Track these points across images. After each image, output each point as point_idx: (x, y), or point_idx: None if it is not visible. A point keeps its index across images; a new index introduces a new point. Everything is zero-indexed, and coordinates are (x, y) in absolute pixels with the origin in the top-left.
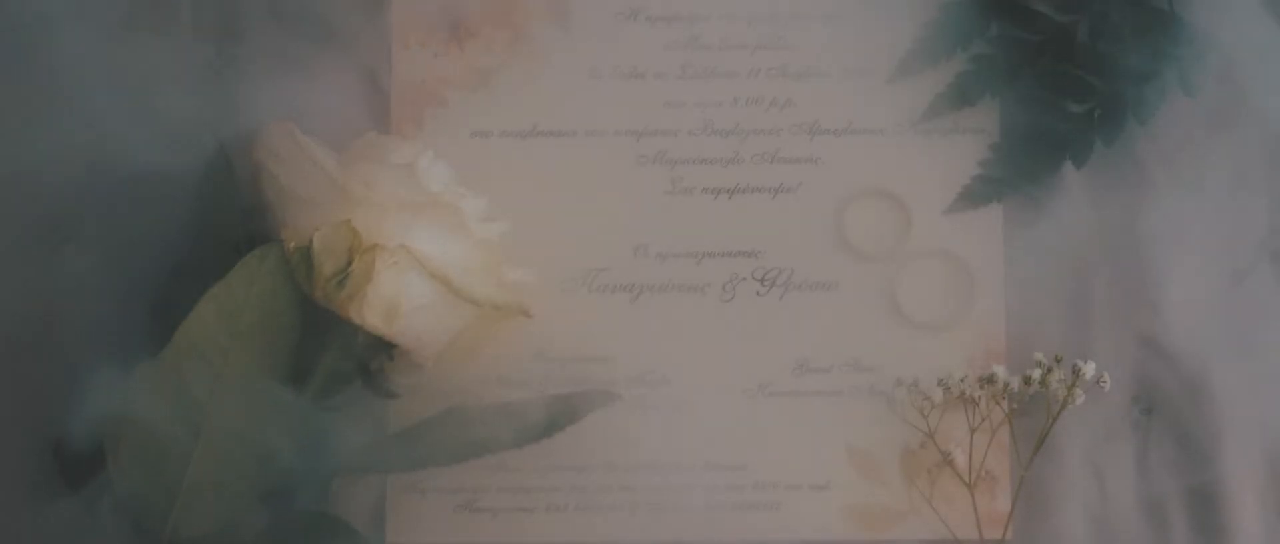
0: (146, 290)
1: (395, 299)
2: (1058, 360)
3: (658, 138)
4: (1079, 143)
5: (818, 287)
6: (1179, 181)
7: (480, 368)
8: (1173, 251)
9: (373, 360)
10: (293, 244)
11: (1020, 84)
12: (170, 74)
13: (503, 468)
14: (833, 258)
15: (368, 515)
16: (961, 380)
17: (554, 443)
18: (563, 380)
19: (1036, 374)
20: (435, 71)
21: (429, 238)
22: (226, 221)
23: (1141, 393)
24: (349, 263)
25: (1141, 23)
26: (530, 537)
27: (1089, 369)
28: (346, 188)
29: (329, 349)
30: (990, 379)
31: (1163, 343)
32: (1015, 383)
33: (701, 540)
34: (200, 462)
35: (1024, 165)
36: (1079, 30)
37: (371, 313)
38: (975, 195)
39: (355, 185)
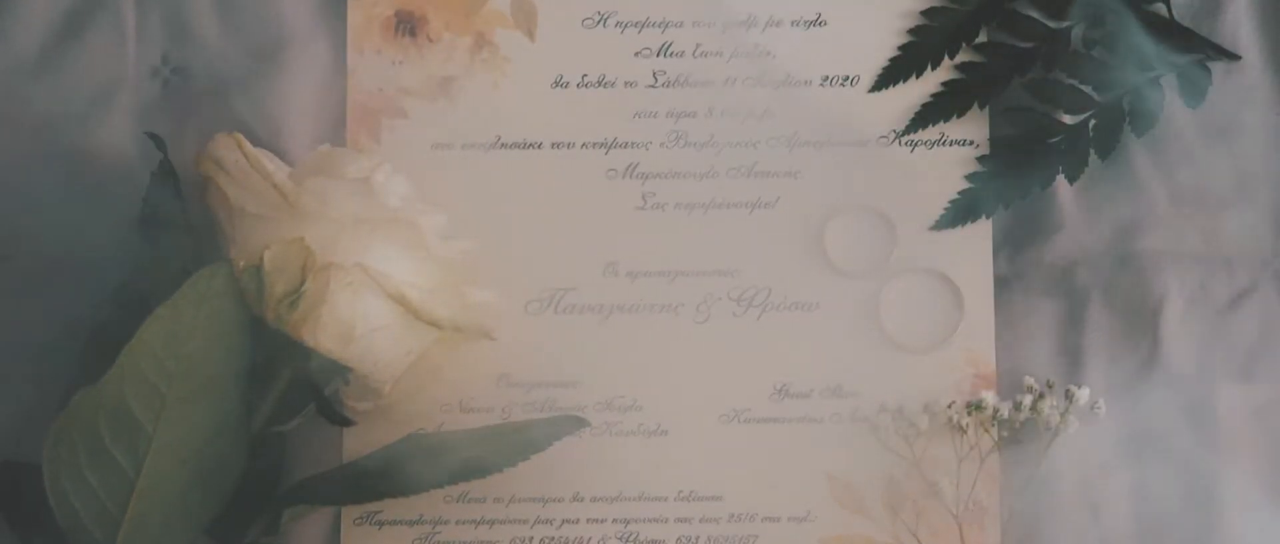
0: (88, 312)
1: (351, 321)
2: (1050, 385)
3: (628, 150)
4: (1072, 156)
5: (797, 307)
6: (1178, 197)
7: (441, 393)
8: (1171, 270)
9: (327, 385)
10: (242, 263)
11: (1010, 93)
12: (112, 82)
13: (464, 499)
14: (813, 277)
15: None
16: (948, 406)
17: (518, 472)
18: (528, 406)
19: (1027, 400)
20: (393, 80)
21: (386, 256)
22: (172, 239)
23: (1138, 420)
24: (302, 283)
25: (1138, 28)
26: None
27: (1083, 395)
28: (299, 203)
29: (281, 373)
30: (979, 405)
31: (1161, 367)
32: (1005, 409)
33: None
34: (144, 492)
35: (1014, 179)
36: (1072, 36)
37: (326, 335)
38: (963, 211)
39: (308, 200)
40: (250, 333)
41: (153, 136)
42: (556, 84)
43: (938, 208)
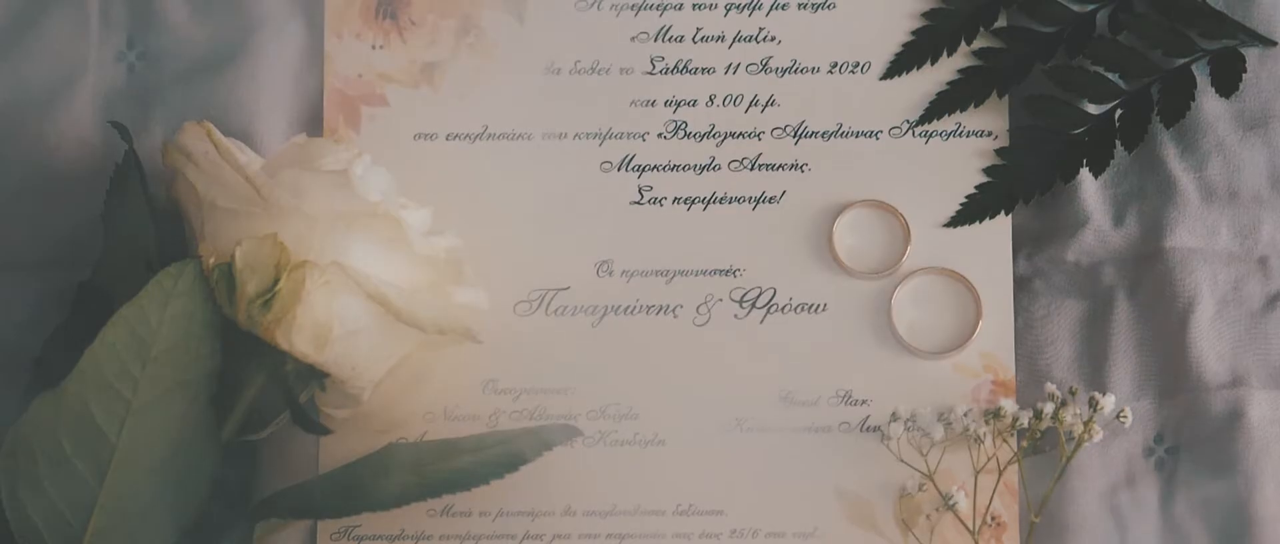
0: (47, 311)
1: (327, 322)
2: (1073, 392)
3: (624, 141)
4: (1097, 147)
5: (803, 309)
6: (1209, 192)
7: (423, 400)
8: (1202, 270)
9: (302, 391)
10: (212, 260)
11: (1031, 81)
12: (74, 68)
13: (449, 512)
14: (820, 276)
15: None
16: (965, 415)
17: (506, 484)
18: (517, 414)
19: (1049, 408)
20: (373, 66)
21: (366, 254)
22: (137, 234)
23: (1166, 429)
24: (275, 281)
25: (1168, 13)
26: None
27: (1108, 402)
28: (272, 197)
29: (253, 378)
30: (997, 413)
31: (1190, 373)
32: (1025, 418)
33: None
34: (107, 504)
35: (1035, 173)
36: (1098, 21)
37: (301, 337)
38: (981, 206)
39: (282, 194)
40: (220, 335)
41: (117, 126)
42: (548, 70)
43: (954, 203)
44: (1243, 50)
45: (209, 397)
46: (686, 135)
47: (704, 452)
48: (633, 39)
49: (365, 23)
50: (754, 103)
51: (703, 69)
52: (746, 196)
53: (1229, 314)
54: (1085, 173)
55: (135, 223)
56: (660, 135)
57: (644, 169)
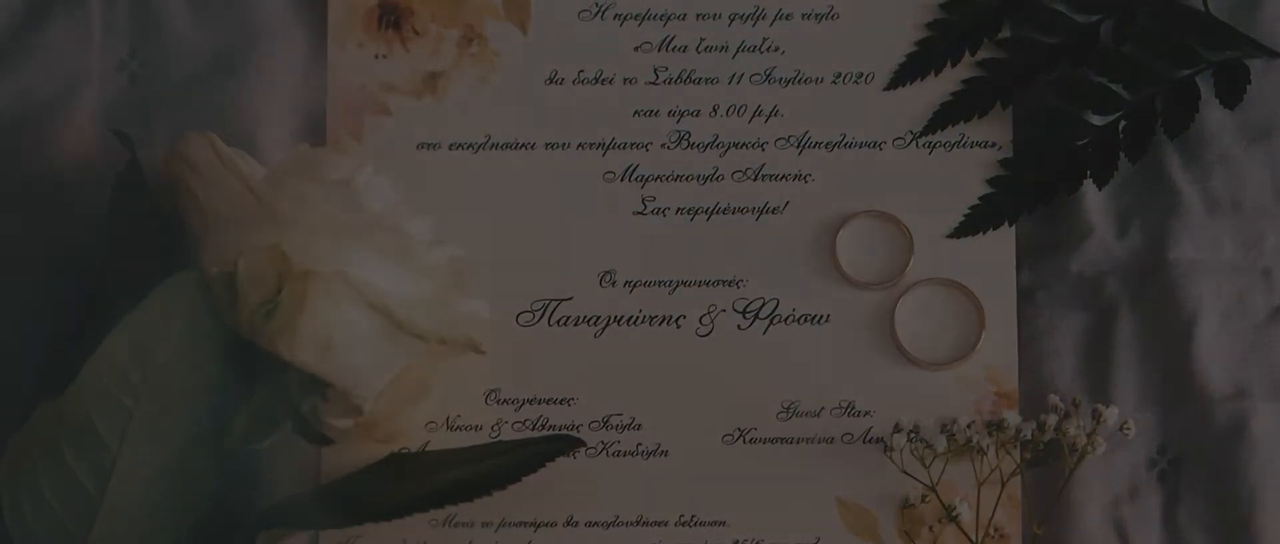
0: (48, 321)
1: (329, 332)
2: (1076, 404)
3: (627, 151)
4: (1101, 159)
5: (806, 319)
6: (1213, 203)
7: (426, 410)
8: (1206, 282)
9: (304, 401)
10: (214, 270)
11: (1035, 92)
12: (77, 76)
13: (451, 523)
14: (823, 287)
15: None
16: (968, 426)
17: (508, 495)
18: (519, 424)
19: (1052, 420)
20: (376, 76)
21: (368, 264)
22: (139, 244)
23: (1170, 441)
24: (277, 291)
25: (1172, 24)
26: None
27: (1111, 414)
28: (275, 207)
29: (255, 388)
30: (1000, 425)
31: (1194, 385)
32: (1028, 430)
33: None
34: (109, 514)
35: (1039, 184)
36: (1102, 32)
37: (303, 348)
38: (984, 217)
39: (285, 204)
40: (222, 345)
41: (119, 135)
42: (551, 80)
43: (957, 214)
44: (1247, 62)
45: (211, 406)
46: (690, 145)
47: (707, 462)
48: (636, 49)
49: (368, 32)
50: (757, 113)
51: (706, 79)
52: (750, 207)
53: (1233, 326)
54: (1089, 184)
55: (137, 232)
56: (663, 145)
57: (647, 179)
